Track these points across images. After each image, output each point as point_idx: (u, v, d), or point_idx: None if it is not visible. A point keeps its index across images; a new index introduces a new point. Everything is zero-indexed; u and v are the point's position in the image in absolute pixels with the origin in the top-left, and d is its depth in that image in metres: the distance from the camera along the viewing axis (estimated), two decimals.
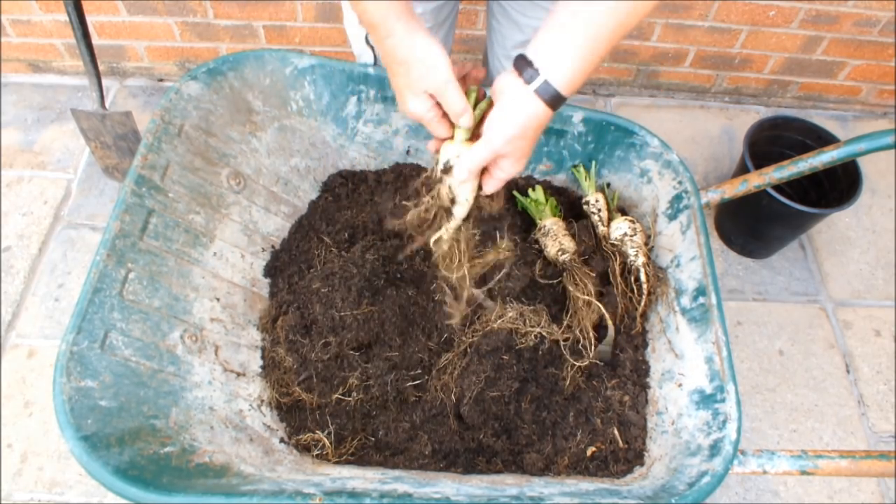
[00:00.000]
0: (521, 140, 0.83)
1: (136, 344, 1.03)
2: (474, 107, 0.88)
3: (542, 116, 0.81)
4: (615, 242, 1.31)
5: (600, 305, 1.20)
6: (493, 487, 1.00)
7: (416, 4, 1.21)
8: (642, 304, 1.24)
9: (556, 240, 1.28)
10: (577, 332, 1.19)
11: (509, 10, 1.29)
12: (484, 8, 1.98)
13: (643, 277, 1.25)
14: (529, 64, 0.79)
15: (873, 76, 2.20)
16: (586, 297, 1.19)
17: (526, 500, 0.93)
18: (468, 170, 0.87)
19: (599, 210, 1.37)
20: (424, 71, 0.82)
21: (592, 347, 1.18)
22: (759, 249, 1.93)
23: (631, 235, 1.30)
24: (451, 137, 0.90)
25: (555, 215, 1.35)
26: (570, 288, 1.23)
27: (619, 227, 1.31)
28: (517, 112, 0.81)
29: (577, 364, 1.16)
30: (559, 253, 1.27)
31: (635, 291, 1.25)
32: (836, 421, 1.68)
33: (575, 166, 1.42)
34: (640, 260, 1.26)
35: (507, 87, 0.81)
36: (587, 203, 1.38)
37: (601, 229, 1.35)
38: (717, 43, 2.09)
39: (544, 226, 1.33)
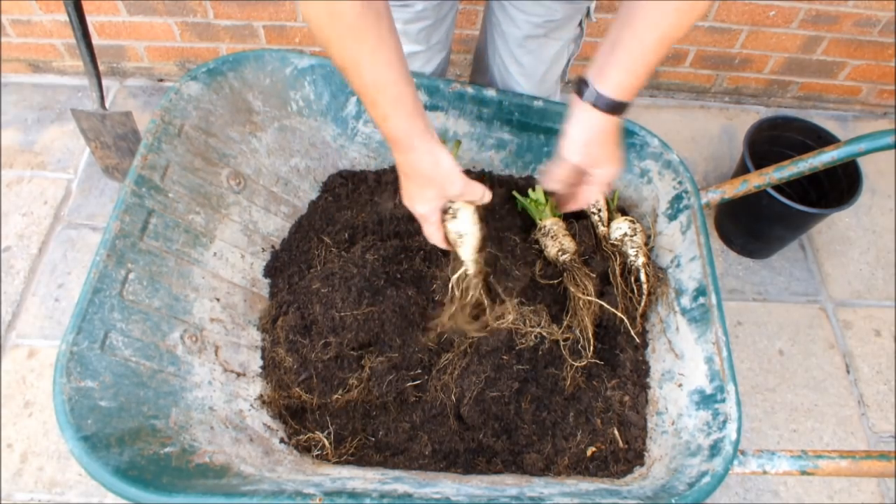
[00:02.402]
0: (595, 147, 0.93)
1: (136, 344, 1.03)
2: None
3: (607, 123, 0.91)
4: (615, 242, 1.31)
5: (602, 303, 1.20)
6: (493, 488, 1.00)
7: (417, 3, 1.21)
8: (642, 304, 1.24)
9: (557, 240, 1.28)
10: (578, 332, 1.19)
11: (508, 8, 1.29)
12: (482, 7, 1.97)
13: (643, 278, 1.25)
14: (585, 84, 0.90)
15: (873, 76, 2.20)
16: (587, 298, 1.19)
17: (526, 501, 0.93)
18: (552, 180, 1.00)
19: (599, 210, 1.36)
20: (445, 184, 0.94)
21: (592, 348, 1.18)
22: (759, 249, 1.93)
23: (631, 235, 1.29)
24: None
25: (555, 215, 1.35)
26: (571, 288, 1.23)
27: (620, 228, 1.31)
28: (581, 125, 0.92)
29: (577, 364, 1.16)
30: (559, 253, 1.27)
31: (635, 292, 1.25)
32: (836, 421, 1.68)
33: None
34: (641, 260, 1.26)
35: (573, 109, 0.93)
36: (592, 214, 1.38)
37: (601, 229, 1.35)
38: (717, 43, 2.09)
39: (544, 226, 1.33)
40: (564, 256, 1.26)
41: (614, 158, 0.96)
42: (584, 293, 1.20)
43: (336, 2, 0.75)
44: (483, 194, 1.00)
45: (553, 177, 1.00)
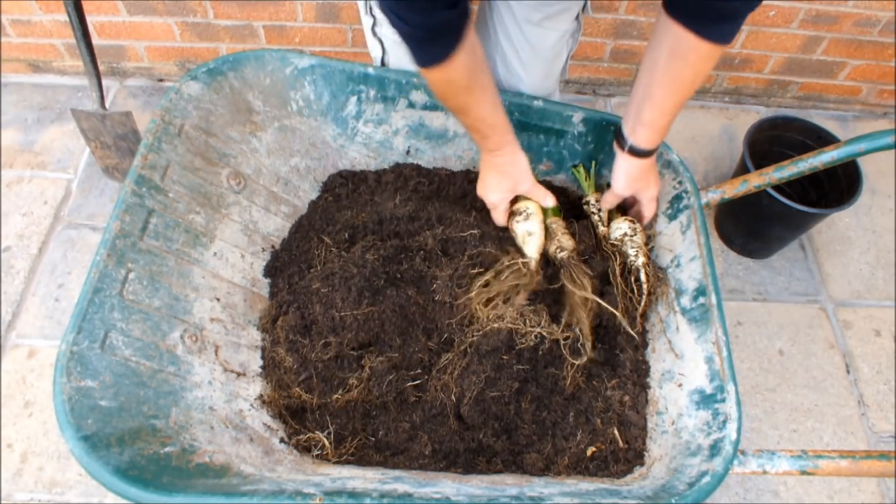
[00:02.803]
0: (637, 182, 1.23)
1: (136, 344, 1.03)
2: None
3: (641, 164, 1.20)
4: (615, 242, 1.31)
5: (599, 301, 1.21)
6: (493, 487, 1.00)
7: None
8: (642, 303, 1.24)
9: (555, 238, 1.29)
10: (577, 330, 1.19)
11: (513, 6, 1.29)
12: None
13: (643, 277, 1.25)
14: (622, 136, 1.19)
15: (873, 76, 2.20)
16: (582, 293, 1.21)
17: (526, 501, 0.93)
18: (607, 205, 1.32)
19: (599, 210, 1.36)
20: (517, 181, 1.22)
21: (591, 345, 1.18)
22: (759, 249, 1.93)
23: (631, 235, 1.29)
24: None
25: (555, 214, 1.35)
26: (568, 284, 1.23)
27: (619, 227, 1.31)
28: (625, 169, 1.22)
29: (577, 363, 1.16)
30: (557, 250, 1.27)
31: (635, 291, 1.25)
32: (836, 421, 1.68)
33: (575, 166, 1.42)
34: (641, 260, 1.26)
35: (617, 156, 1.23)
36: (587, 203, 1.38)
37: (601, 229, 1.35)
38: None
39: (552, 224, 1.32)
40: (562, 254, 1.26)
41: (655, 182, 1.25)
42: (580, 288, 1.21)
43: (452, 73, 0.98)
44: (546, 197, 1.27)
45: (607, 205, 1.32)
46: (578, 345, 1.18)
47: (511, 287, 1.21)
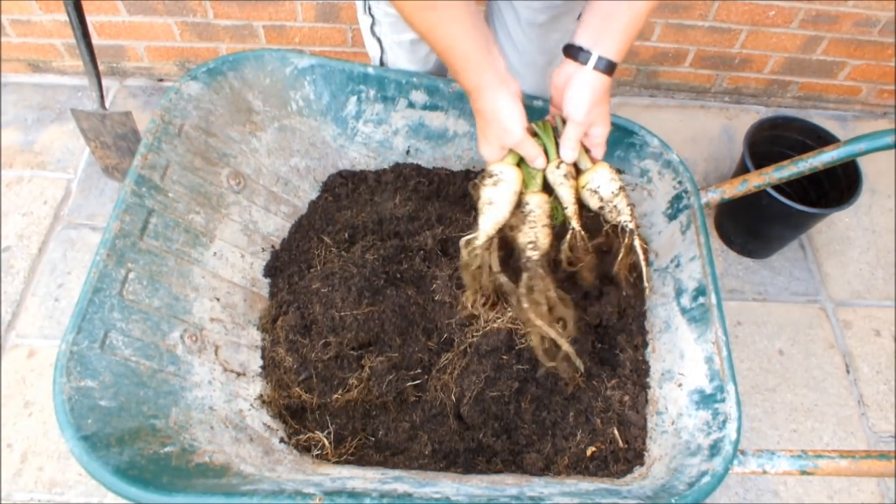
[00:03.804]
0: (598, 107, 1.01)
1: (136, 344, 1.03)
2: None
3: (605, 83, 1.00)
4: (601, 204, 1.06)
5: (555, 337, 1.03)
6: (493, 487, 1.00)
7: None
8: (646, 276, 1.09)
9: (532, 227, 1.05)
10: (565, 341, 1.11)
11: (516, 6, 1.28)
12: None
13: (638, 245, 1.06)
14: (581, 49, 0.99)
15: (873, 76, 2.19)
16: (535, 323, 1.02)
17: (526, 500, 0.93)
18: (571, 148, 1.04)
19: (565, 175, 1.06)
20: (501, 132, 1.01)
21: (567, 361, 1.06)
22: (759, 249, 1.93)
23: (615, 193, 1.06)
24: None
25: (543, 190, 1.08)
26: (521, 301, 1.03)
27: (600, 180, 1.05)
28: (586, 89, 0.99)
29: (569, 381, 1.15)
30: (529, 246, 1.04)
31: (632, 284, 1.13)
32: (836, 421, 1.68)
33: (543, 121, 1.10)
34: (632, 223, 1.06)
35: (572, 74, 1.00)
36: (553, 172, 1.06)
37: (570, 207, 1.06)
38: (717, 43, 2.09)
39: (527, 203, 1.05)
40: (532, 253, 1.04)
41: (608, 117, 1.04)
42: (535, 315, 1.02)
43: None
44: (537, 157, 1.04)
45: (572, 144, 1.04)
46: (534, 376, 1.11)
47: (475, 268, 1.04)
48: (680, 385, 1.14)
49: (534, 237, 1.05)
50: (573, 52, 1.01)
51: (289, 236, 1.36)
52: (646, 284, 1.12)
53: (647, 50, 2.13)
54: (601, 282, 1.28)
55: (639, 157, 1.34)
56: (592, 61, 0.98)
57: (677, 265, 1.25)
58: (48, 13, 1.98)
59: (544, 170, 1.06)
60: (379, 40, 1.33)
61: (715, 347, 1.08)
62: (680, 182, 1.29)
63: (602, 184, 1.06)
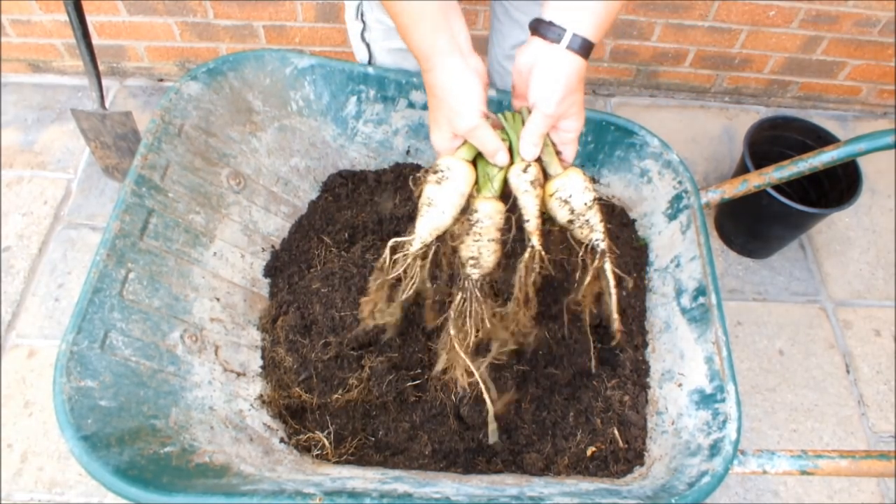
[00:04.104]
0: (571, 96, 0.85)
1: (136, 344, 1.03)
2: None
3: (581, 68, 0.84)
4: (571, 218, 0.90)
5: (484, 390, 0.92)
6: (493, 487, 1.00)
7: None
8: (613, 300, 0.95)
9: (478, 242, 0.88)
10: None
11: (511, 10, 1.28)
12: (485, 8, 1.98)
13: (609, 272, 0.93)
14: (551, 25, 0.82)
15: (873, 76, 2.19)
16: (463, 359, 0.89)
17: (526, 500, 0.93)
18: (534, 143, 0.87)
19: (532, 181, 0.88)
20: (452, 114, 0.84)
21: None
22: (759, 249, 1.93)
23: (588, 206, 0.90)
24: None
25: (500, 197, 0.90)
26: (451, 330, 0.90)
27: (571, 188, 0.89)
28: (557, 73, 0.83)
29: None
30: (469, 262, 0.89)
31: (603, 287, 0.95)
32: (836, 421, 1.68)
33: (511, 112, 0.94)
34: (604, 243, 0.91)
35: (540, 55, 0.83)
36: (517, 176, 0.89)
37: (533, 220, 0.90)
38: (717, 43, 2.09)
39: (476, 210, 0.89)
40: (472, 271, 0.89)
41: (582, 109, 0.88)
42: (461, 346, 0.88)
43: None
44: (497, 150, 0.86)
45: (535, 139, 0.86)
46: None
47: (394, 279, 0.90)
48: (680, 385, 1.14)
49: (476, 252, 0.89)
50: (542, 28, 0.84)
51: (289, 236, 1.36)
52: (614, 318, 0.95)
53: (647, 50, 2.13)
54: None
55: (639, 158, 1.34)
56: (566, 39, 0.82)
57: (677, 265, 1.25)
58: (48, 13, 1.98)
59: (507, 172, 0.89)
60: (368, 46, 1.33)
61: (715, 347, 1.08)
62: (680, 182, 1.29)
63: (575, 192, 0.89)
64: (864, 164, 1.74)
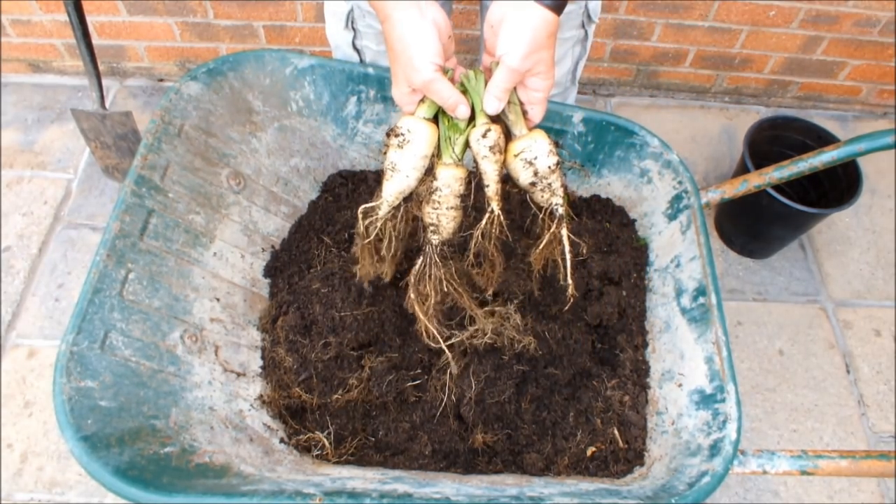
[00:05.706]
0: (539, 52, 0.82)
1: (136, 344, 1.03)
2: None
3: (551, 23, 0.81)
4: (533, 181, 0.88)
5: (440, 341, 0.92)
6: (493, 487, 1.00)
7: None
8: (568, 265, 0.92)
9: (437, 210, 0.88)
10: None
11: None
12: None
13: (566, 239, 0.91)
14: None
15: (873, 76, 2.20)
16: (422, 320, 0.90)
17: (526, 501, 0.93)
18: (497, 97, 0.84)
19: (492, 147, 0.86)
20: (407, 66, 0.82)
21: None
22: (759, 249, 1.93)
23: (552, 169, 0.88)
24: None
25: (458, 163, 0.88)
26: (410, 293, 0.90)
27: (539, 153, 0.87)
28: (525, 26, 0.80)
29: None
30: (430, 228, 0.89)
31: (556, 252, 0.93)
32: (836, 421, 1.68)
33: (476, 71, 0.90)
34: (561, 210, 0.89)
35: (509, 9, 0.81)
36: (477, 141, 0.87)
37: (493, 186, 0.88)
38: (717, 43, 2.09)
39: (436, 177, 0.88)
40: (433, 236, 0.90)
41: (552, 67, 0.85)
42: (420, 308, 0.88)
43: None
44: (456, 103, 0.83)
45: (499, 93, 0.84)
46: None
47: (374, 241, 0.91)
48: (680, 385, 1.14)
49: (436, 220, 0.89)
50: None
51: (289, 236, 1.36)
52: (568, 283, 0.94)
53: (647, 50, 2.13)
54: (601, 281, 1.28)
55: (639, 158, 1.34)
56: None
57: (677, 265, 1.25)
58: (48, 13, 1.98)
59: (468, 135, 0.87)
60: (360, 52, 1.33)
61: (715, 347, 1.08)
62: (680, 182, 1.29)
63: (540, 154, 0.87)
64: (864, 164, 1.74)
